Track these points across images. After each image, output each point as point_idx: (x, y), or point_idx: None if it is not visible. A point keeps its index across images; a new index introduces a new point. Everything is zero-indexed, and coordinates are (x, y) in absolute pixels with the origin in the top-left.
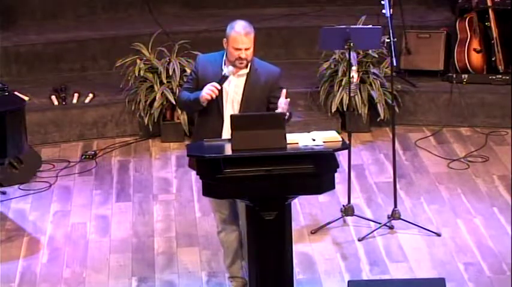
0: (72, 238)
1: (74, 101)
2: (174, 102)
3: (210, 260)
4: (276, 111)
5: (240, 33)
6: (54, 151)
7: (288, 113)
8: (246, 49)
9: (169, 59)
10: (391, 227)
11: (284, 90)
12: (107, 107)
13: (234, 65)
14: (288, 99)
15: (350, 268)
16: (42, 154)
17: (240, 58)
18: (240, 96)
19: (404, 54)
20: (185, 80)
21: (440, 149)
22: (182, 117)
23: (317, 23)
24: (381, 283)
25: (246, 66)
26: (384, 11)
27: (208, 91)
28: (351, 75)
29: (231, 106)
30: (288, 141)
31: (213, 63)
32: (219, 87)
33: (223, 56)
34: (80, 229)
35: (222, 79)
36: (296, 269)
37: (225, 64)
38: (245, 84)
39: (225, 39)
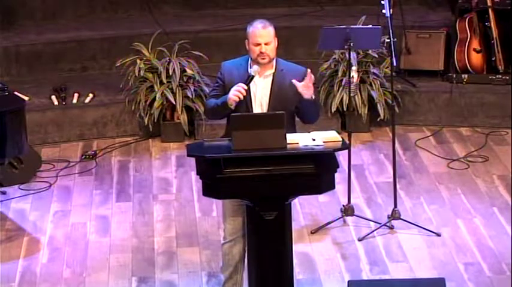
0: (72, 238)
1: (74, 101)
2: (174, 102)
3: (210, 260)
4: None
5: (258, 27)
6: (54, 150)
7: (310, 97)
8: (266, 44)
9: (169, 59)
10: (391, 227)
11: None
12: (107, 107)
13: (257, 63)
14: (299, 84)
15: (350, 268)
16: (42, 154)
17: (261, 53)
18: (268, 97)
19: (404, 54)
20: (210, 88)
21: (440, 149)
22: (182, 117)
23: (317, 23)
24: (381, 283)
25: (270, 64)
26: (384, 11)
27: (235, 92)
28: (351, 75)
29: (260, 108)
30: (288, 141)
31: (238, 67)
32: (246, 88)
33: (247, 60)
34: (80, 229)
35: (248, 79)
36: (296, 269)
37: (250, 67)
38: (272, 85)
39: (246, 40)
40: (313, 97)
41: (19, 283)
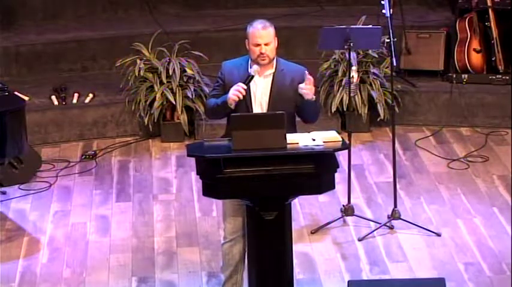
0: (72, 238)
1: (74, 101)
2: (174, 102)
3: (210, 260)
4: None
5: (258, 28)
6: (54, 150)
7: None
8: (266, 44)
9: (169, 59)
10: (391, 227)
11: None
12: (107, 107)
13: (257, 63)
14: (302, 85)
15: (350, 268)
16: (42, 154)
17: (261, 54)
18: (267, 97)
19: (404, 54)
20: (211, 88)
21: (440, 149)
22: (182, 117)
23: (317, 23)
24: (381, 283)
25: (270, 64)
26: (384, 11)
27: (234, 92)
28: (351, 75)
29: (259, 108)
30: (288, 141)
31: (238, 67)
32: (245, 87)
33: (248, 60)
34: (80, 229)
35: (248, 79)
36: (296, 269)
37: (250, 67)
38: (271, 84)
39: (246, 40)
40: (314, 98)
41: (19, 283)
